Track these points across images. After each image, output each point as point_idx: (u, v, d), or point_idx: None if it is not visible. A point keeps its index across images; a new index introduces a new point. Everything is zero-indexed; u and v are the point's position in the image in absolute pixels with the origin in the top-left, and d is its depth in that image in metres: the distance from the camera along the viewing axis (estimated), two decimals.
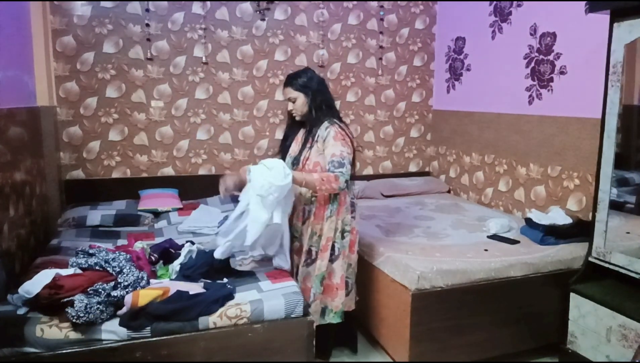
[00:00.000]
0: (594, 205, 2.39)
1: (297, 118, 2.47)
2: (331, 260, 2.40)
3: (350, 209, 2.43)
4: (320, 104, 2.39)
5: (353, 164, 2.40)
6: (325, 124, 2.35)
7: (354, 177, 2.47)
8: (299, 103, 2.40)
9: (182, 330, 1.91)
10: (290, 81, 2.41)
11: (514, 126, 3.55)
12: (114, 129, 3.68)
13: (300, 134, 2.51)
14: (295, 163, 2.43)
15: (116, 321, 1.85)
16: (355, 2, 4.18)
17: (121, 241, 2.79)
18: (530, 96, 3.40)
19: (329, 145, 2.28)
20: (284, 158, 2.49)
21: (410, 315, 2.33)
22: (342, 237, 2.41)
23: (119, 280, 1.95)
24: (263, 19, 3.92)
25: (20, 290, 1.88)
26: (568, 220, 2.84)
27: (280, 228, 2.27)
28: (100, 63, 3.57)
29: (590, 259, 2.41)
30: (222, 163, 3.97)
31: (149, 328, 1.87)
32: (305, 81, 2.39)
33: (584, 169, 2.96)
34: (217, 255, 2.22)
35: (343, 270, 2.42)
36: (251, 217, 2.14)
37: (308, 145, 2.37)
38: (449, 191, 4.36)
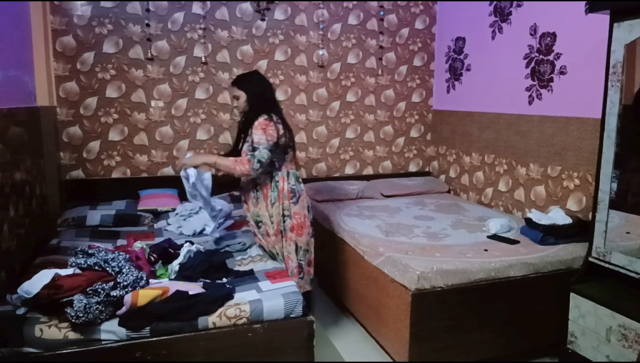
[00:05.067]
0: (594, 205, 2.39)
1: (239, 113, 2.76)
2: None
3: (289, 196, 2.63)
4: (256, 103, 2.64)
5: (293, 150, 2.69)
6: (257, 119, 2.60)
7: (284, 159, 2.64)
8: (241, 101, 2.69)
9: (182, 330, 1.91)
10: (236, 81, 2.74)
11: (514, 126, 3.55)
12: (114, 129, 3.68)
13: None
14: (237, 153, 2.69)
15: (115, 321, 1.85)
16: (355, 2, 4.17)
17: (121, 241, 2.80)
18: (530, 96, 3.40)
19: (252, 134, 2.55)
20: (237, 148, 2.70)
21: (410, 315, 2.33)
22: (284, 221, 2.63)
23: (118, 280, 1.95)
24: (263, 19, 3.92)
25: (19, 290, 1.87)
26: (568, 220, 2.84)
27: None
28: (100, 63, 3.57)
29: (590, 259, 2.41)
30: None
31: (148, 328, 1.87)
32: (247, 82, 2.70)
33: (584, 169, 2.96)
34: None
35: (287, 251, 2.63)
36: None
37: (246, 138, 2.64)
38: (449, 191, 4.35)
